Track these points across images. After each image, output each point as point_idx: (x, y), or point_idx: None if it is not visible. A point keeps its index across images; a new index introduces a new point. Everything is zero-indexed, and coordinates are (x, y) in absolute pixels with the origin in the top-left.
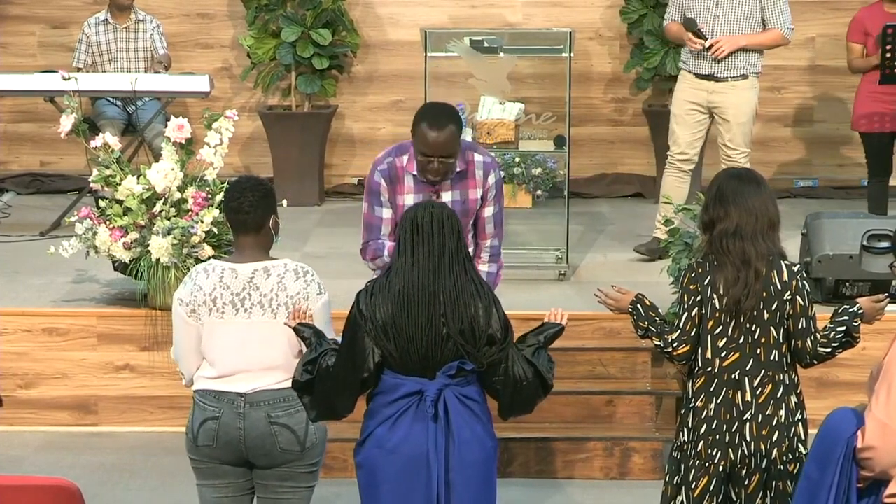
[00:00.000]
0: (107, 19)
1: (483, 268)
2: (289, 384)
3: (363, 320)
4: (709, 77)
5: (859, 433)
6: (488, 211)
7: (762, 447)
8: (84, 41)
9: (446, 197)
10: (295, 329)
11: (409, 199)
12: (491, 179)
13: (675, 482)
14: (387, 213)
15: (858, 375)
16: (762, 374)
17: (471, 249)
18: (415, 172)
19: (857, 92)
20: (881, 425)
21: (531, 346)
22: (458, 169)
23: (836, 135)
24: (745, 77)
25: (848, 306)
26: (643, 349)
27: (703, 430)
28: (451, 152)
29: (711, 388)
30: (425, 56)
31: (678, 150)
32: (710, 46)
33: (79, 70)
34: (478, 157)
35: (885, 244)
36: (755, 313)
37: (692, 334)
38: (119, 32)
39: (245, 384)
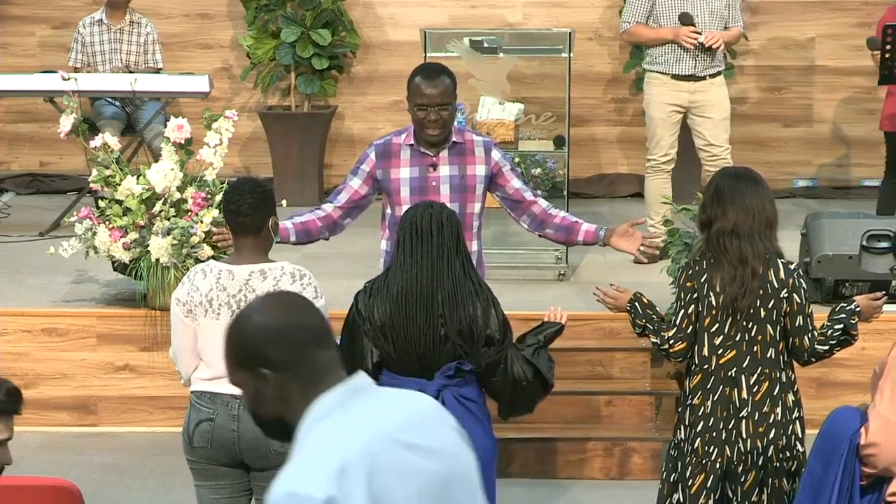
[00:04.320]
0: (101, 19)
1: (561, 213)
2: None
3: (361, 321)
4: (689, 77)
5: (863, 430)
6: (517, 183)
7: (759, 444)
8: (79, 41)
9: (444, 171)
10: None
11: (404, 172)
12: (496, 155)
13: (671, 480)
14: (355, 184)
15: (858, 375)
16: (759, 371)
17: (474, 244)
18: (412, 142)
19: (887, 92)
20: (885, 422)
21: (531, 346)
22: (455, 140)
23: (836, 135)
24: (719, 73)
25: (845, 304)
26: (643, 349)
27: (699, 428)
28: (446, 101)
29: (708, 386)
30: (425, 56)
31: (662, 153)
32: (704, 40)
33: (75, 69)
34: (476, 137)
35: (884, 244)
36: (752, 311)
37: (689, 332)
38: (113, 33)
39: None
